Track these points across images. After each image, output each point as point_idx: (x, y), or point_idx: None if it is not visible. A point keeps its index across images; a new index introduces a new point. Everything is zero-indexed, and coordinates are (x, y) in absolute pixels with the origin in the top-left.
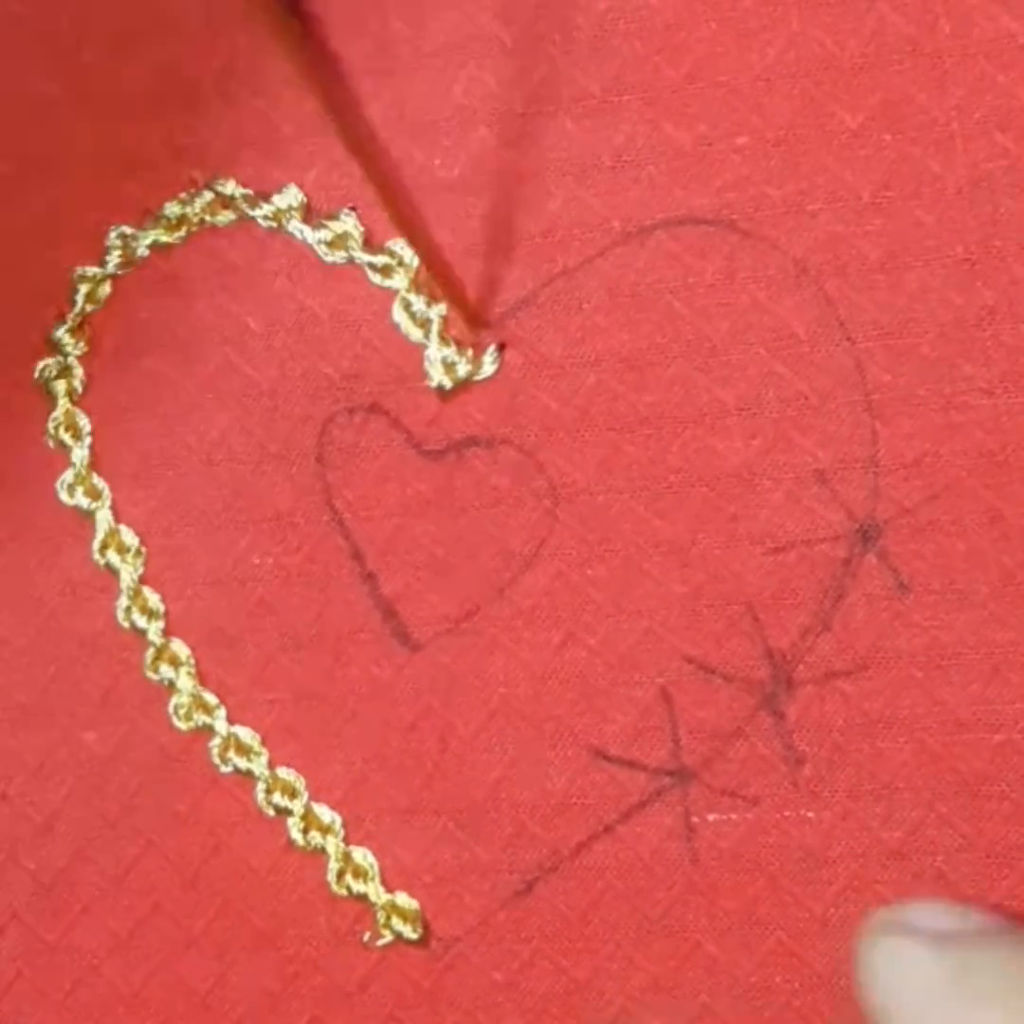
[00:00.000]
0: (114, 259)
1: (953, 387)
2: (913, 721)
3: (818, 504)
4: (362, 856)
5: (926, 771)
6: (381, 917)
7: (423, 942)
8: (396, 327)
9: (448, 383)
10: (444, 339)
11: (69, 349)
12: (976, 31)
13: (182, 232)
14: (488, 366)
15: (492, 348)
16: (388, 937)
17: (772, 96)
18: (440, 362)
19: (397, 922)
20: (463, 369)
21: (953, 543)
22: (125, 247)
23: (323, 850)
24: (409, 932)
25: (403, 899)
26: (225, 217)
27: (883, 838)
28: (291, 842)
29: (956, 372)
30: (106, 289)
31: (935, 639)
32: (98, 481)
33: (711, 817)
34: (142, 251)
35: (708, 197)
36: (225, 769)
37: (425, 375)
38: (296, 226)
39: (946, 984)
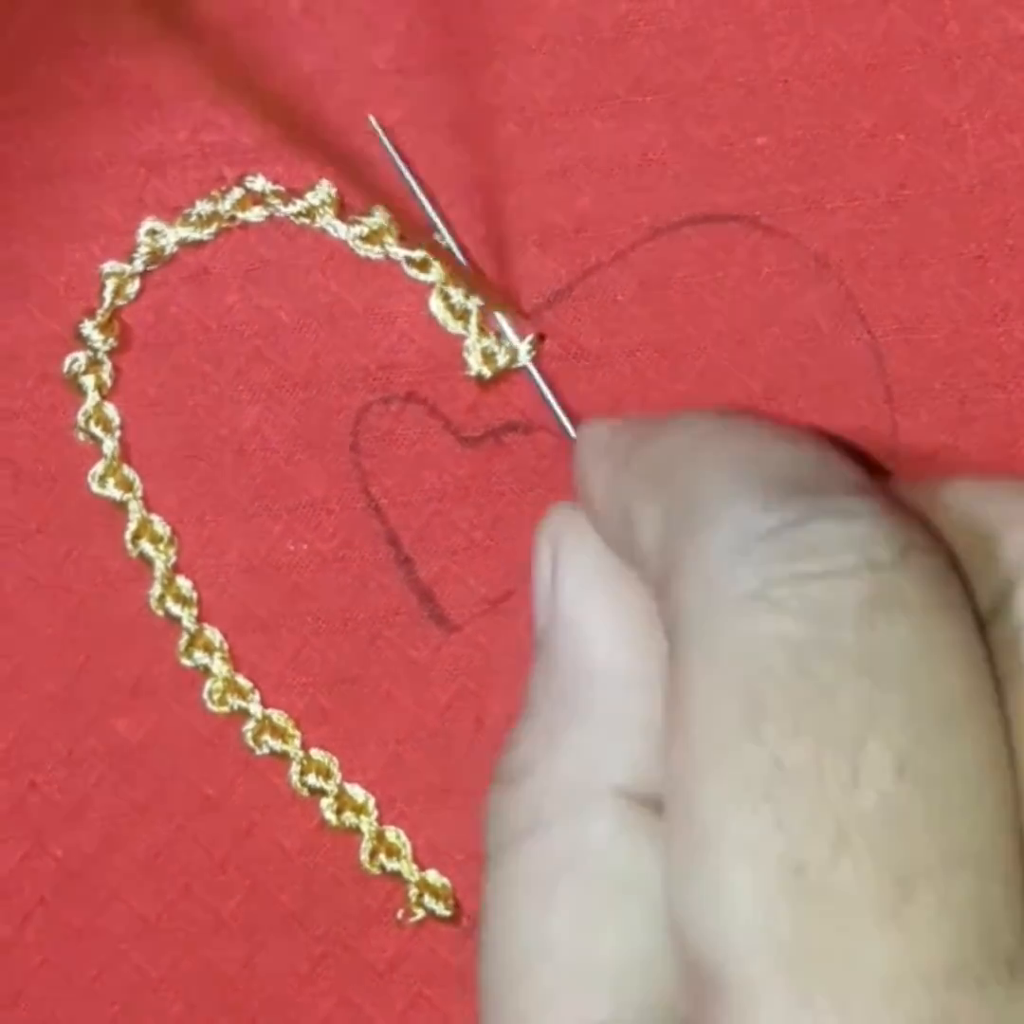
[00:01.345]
0: (143, 255)
1: (968, 382)
2: None
3: None
4: (395, 835)
5: None
6: (413, 895)
7: (455, 919)
8: (433, 318)
9: (487, 372)
10: (483, 329)
11: (98, 344)
12: (985, 32)
13: (212, 229)
14: (525, 356)
15: (530, 338)
16: (420, 915)
17: (789, 97)
18: (479, 352)
19: (429, 900)
20: (502, 359)
21: None
22: (154, 244)
23: (357, 829)
24: (441, 909)
25: (435, 877)
26: (256, 214)
27: None
28: (324, 822)
29: (970, 367)
30: (135, 285)
31: None
32: (129, 472)
33: None
34: (171, 248)
35: (731, 194)
36: (260, 752)
37: (464, 365)
38: (329, 222)
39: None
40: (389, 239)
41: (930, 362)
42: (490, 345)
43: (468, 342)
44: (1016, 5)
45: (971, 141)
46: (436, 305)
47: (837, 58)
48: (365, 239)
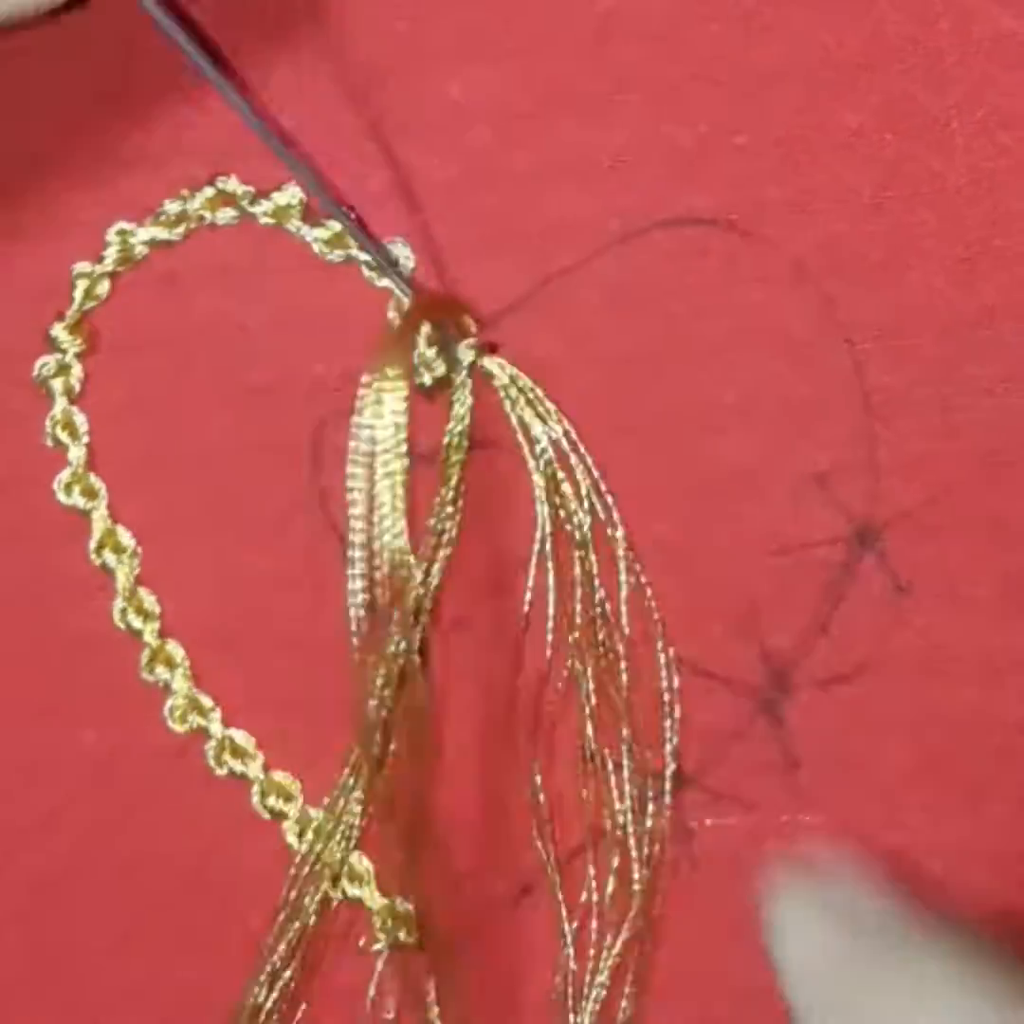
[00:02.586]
0: (113, 256)
1: (953, 388)
2: (911, 725)
3: (818, 507)
4: (358, 860)
5: (924, 775)
6: (377, 922)
7: (419, 946)
8: (390, 326)
9: (428, 381)
10: (429, 338)
11: (67, 347)
12: (976, 30)
13: (182, 229)
14: (464, 364)
15: (464, 344)
16: (383, 942)
17: (772, 95)
18: (424, 361)
19: (394, 927)
20: (440, 368)
21: (952, 545)
22: (124, 244)
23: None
24: (405, 937)
25: (398, 903)
26: (225, 214)
27: (882, 843)
28: (287, 846)
29: (956, 373)
30: (105, 286)
31: (934, 642)
32: (95, 480)
33: (709, 822)
34: (141, 248)
35: (708, 197)
36: (220, 772)
37: (416, 373)
38: (295, 224)
39: (853, 969)
40: (351, 242)
41: (913, 369)
42: (429, 354)
43: (417, 351)
44: (1007, 2)
45: (960, 140)
46: (392, 313)
47: (823, 56)
48: (328, 242)
